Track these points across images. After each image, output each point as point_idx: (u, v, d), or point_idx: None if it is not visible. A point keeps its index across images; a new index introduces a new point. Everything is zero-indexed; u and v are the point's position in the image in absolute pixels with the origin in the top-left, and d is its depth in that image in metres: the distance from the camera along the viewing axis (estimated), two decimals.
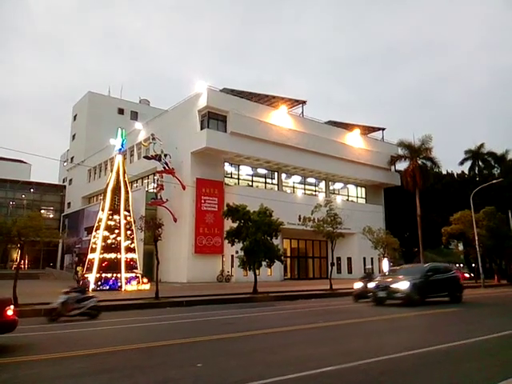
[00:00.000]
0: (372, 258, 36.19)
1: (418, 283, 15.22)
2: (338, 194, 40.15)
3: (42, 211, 52.40)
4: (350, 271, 36.92)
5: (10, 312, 7.81)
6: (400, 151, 41.18)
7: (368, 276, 18.64)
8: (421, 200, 38.30)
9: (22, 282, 15.35)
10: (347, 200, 39.59)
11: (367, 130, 42.60)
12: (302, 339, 8.82)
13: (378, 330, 10.00)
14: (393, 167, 42.14)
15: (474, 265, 36.31)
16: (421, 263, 28.14)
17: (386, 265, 31.21)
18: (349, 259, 37.26)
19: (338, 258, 36.21)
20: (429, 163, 40.14)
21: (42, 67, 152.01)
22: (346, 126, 40.37)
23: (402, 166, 41.73)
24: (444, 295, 16.25)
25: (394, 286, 15.23)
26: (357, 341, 8.34)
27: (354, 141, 39.46)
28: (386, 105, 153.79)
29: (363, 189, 41.83)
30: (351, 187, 41.24)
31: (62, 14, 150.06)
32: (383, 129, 43.61)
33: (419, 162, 39.46)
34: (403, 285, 15.09)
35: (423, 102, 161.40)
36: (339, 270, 36.59)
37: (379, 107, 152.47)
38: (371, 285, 16.69)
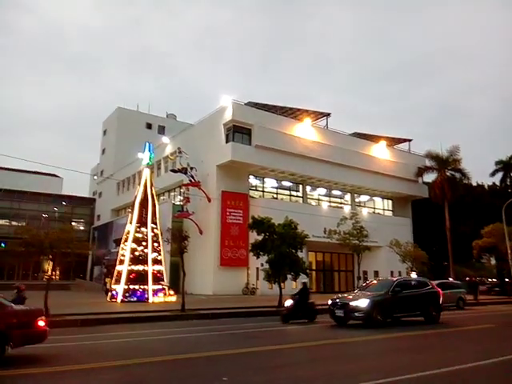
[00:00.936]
0: (400, 272, 35.44)
1: (380, 300, 13.31)
2: (364, 207, 39.68)
3: (73, 223, 53.80)
4: None
5: (41, 323, 8.04)
6: (427, 163, 40.48)
7: (302, 292, 15.44)
8: (450, 212, 37.40)
9: (54, 292, 15.79)
10: (373, 212, 39.07)
11: (393, 141, 42.12)
12: (330, 354, 8.75)
13: (297, 360, 8.15)
14: (420, 179, 41.38)
15: (507, 279, 35.03)
16: (419, 277, 26.20)
17: None
18: (376, 273, 36.56)
19: (365, 272, 35.57)
20: (458, 174, 39.28)
21: (73, 87, 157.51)
22: (372, 138, 40.05)
23: (429, 177, 41.02)
24: (416, 315, 14.32)
25: (352, 303, 13.27)
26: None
27: (380, 152, 39.05)
28: (412, 117, 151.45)
29: (390, 201, 41.20)
30: (377, 199, 40.70)
31: (92, 36, 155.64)
32: (409, 140, 43.02)
33: (448, 174, 38.66)
34: (362, 302, 13.13)
35: (450, 113, 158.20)
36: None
37: (405, 119, 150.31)
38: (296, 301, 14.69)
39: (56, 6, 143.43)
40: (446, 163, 38.58)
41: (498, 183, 45.56)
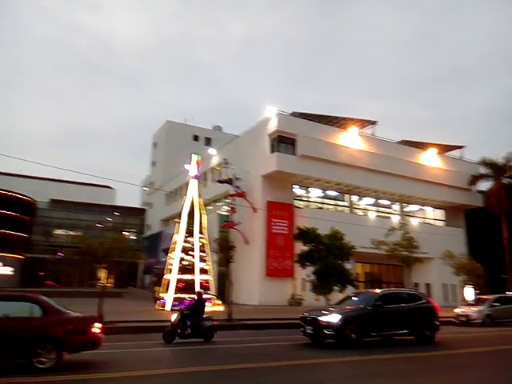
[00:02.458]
0: (454, 285, 33.91)
1: (355, 316, 11.75)
2: (414, 217, 38.34)
3: (125, 233, 56.05)
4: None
5: (95, 329, 8.36)
6: (482, 170, 38.52)
7: (196, 305, 12.97)
8: (508, 222, 35.29)
9: (107, 300, 16.45)
10: (424, 223, 37.66)
11: (444, 148, 40.52)
12: (379, 371, 8.51)
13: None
14: (474, 187, 39.42)
15: None
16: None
17: (470, 293, 29.00)
18: (427, 285, 35.13)
19: (416, 284, 34.29)
20: None
21: (125, 101, 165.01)
22: (421, 146, 38.76)
23: (484, 186, 38.98)
24: (405, 333, 12.46)
25: (321, 319, 11.56)
26: None
27: (430, 160, 37.70)
28: (463, 123, 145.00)
29: (441, 211, 39.56)
30: (428, 209, 39.22)
31: (142, 52, 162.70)
32: (462, 147, 41.23)
33: (504, 181, 36.58)
34: (333, 318, 11.43)
35: (504, 118, 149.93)
36: None
37: (456, 126, 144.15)
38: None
39: (108, 25, 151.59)
40: (502, 170, 36.51)
41: None
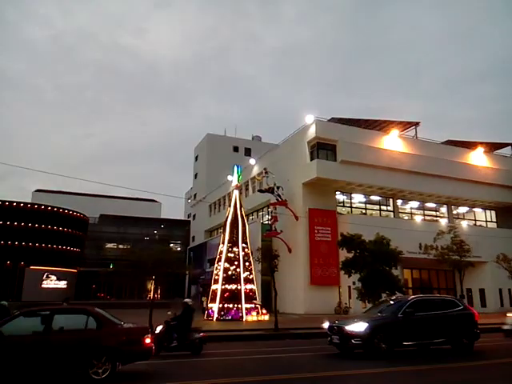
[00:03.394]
0: (510, 290, 32.18)
1: (383, 324, 11.15)
2: (464, 219, 36.82)
3: (171, 245, 57.52)
4: (483, 304, 33.07)
5: (147, 340, 8.62)
6: None
7: (183, 315, 12.23)
8: None
9: (156, 310, 16.99)
10: (474, 225, 36.06)
11: (492, 146, 38.75)
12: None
13: None
14: None
15: None
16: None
17: None
18: (481, 291, 33.49)
19: (469, 290, 32.81)
20: None
21: (169, 117, 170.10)
22: (467, 145, 37.29)
23: None
24: (441, 342, 11.66)
25: (347, 328, 11.06)
26: None
27: (478, 159, 36.14)
28: (510, 119, 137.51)
29: (493, 212, 37.73)
30: (478, 210, 37.52)
31: (182, 68, 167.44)
32: (510, 144, 39.28)
33: None
34: (359, 327, 10.92)
35: None
36: (471, 303, 33.01)
37: (503, 122, 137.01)
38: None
39: (149, 45, 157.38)
40: None
41: None
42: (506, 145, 39.43)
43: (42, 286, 46.01)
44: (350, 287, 27.08)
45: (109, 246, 60.91)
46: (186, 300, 14.07)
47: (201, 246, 47.64)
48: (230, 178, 29.27)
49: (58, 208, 49.02)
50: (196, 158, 62.32)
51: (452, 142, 37.34)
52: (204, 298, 30.27)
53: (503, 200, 36.08)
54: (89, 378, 7.80)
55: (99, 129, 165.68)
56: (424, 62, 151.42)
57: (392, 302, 12.83)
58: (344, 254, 21.41)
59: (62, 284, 47.76)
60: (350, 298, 28.64)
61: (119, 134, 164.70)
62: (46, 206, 48.00)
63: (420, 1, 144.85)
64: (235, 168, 28.05)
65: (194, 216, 59.42)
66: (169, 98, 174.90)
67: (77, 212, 51.25)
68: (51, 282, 46.90)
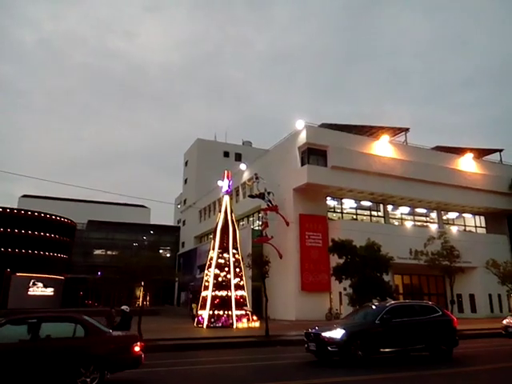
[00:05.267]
0: (499, 295, 32.34)
1: (360, 331, 10.95)
2: (453, 225, 37.04)
3: (160, 251, 56.95)
4: (473, 310, 33.21)
5: (137, 348, 8.43)
6: None
7: (121, 324, 11.85)
8: None
9: (145, 318, 16.63)
10: (464, 230, 36.29)
11: (481, 152, 39.16)
12: None
13: None
14: None
15: None
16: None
17: None
18: (471, 296, 33.63)
19: (459, 295, 32.94)
20: None
21: (157, 122, 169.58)
22: (456, 151, 37.60)
23: None
24: (419, 348, 11.51)
25: (324, 334, 10.84)
26: None
27: (467, 165, 36.45)
28: (499, 125, 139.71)
29: (482, 217, 38.04)
30: (468, 216, 37.78)
31: (173, 73, 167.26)
32: (500, 150, 39.74)
33: None
34: (336, 333, 10.71)
35: None
36: (461, 309, 33.15)
37: (491, 128, 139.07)
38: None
39: (138, 48, 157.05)
40: None
41: None
42: (495, 151, 39.88)
43: (29, 293, 45.19)
44: (340, 293, 26.96)
45: (97, 252, 60.09)
46: (123, 307, 13.74)
47: (190, 252, 47.21)
48: (220, 183, 29.03)
49: (45, 214, 48.27)
50: (186, 163, 62.00)
51: (441, 147, 37.64)
52: (194, 305, 29.90)
53: (492, 206, 36.40)
54: None
55: (88, 133, 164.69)
56: (412, 67, 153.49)
57: (371, 308, 12.67)
58: (335, 260, 21.30)
59: (49, 291, 46.95)
60: (341, 304, 28.51)
61: (109, 139, 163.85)
62: (33, 212, 47.25)
63: (409, 7, 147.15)
64: (225, 173, 27.87)
65: (184, 222, 58.99)
66: (159, 103, 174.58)
67: (64, 218, 50.53)
68: (38, 289, 46.09)
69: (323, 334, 10.84)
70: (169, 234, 62.80)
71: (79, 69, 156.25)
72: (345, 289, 22.41)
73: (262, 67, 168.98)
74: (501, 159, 39.39)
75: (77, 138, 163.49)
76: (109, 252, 56.97)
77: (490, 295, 32.69)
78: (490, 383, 9.10)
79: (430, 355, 11.74)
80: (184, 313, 38.06)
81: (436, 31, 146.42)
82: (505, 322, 20.10)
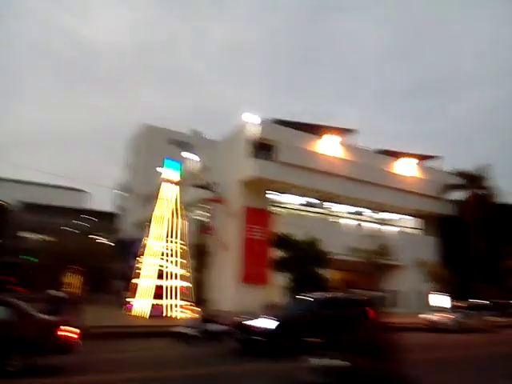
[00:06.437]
0: (425, 293, 34.38)
1: (287, 322, 11.42)
2: (389, 225, 38.86)
3: (98, 237, 54.80)
4: (404, 305, 34.90)
5: (68, 333, 8.13)
6: (457, 180, 39.47)
7: (55, 307, 11.76)
8: (480, 232, 36.17)
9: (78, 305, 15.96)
10: (399, 231, 38.20)
11: (421, 158, 41.26)
12: None
13: None
14: (448, 197, 40.29)
15: None
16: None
17: (446, 300, 29.34)
18: (400, 292, 35.41)
19: (391, 292, 34.61)
20: (489, 193, 38.12)
21: (105, 105, 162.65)
22: (398, 155, 39.40)
23: (459, 196, 39.89)
24: None
25: (252, 324, 11.41)
26: None
27: (406, 170, 38.38)
28: (441, 134, 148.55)
29: (416, 219, 40.24)
30: (403, 218, 39.82)
31: (124, 57, 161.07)
32: (438, 157, 42.16)
33: (477, 192, 37.57)
34: (264, 323, 11.28)
35: (479, 130, 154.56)
36: (393, 305, 34.78)
37: (434, 137, 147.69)
38: None
39: (93, 30, 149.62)
40: (476, 181, 37.58)
41: None
42: (433, 157, 42.10)
43: None
44: (280, 286, 27.37)
45: (30, 235, 56.69)
46: (55, 292, 13.68)
47: (128, 240, 45.75)
48: (163, 171, 28.37)
49: None
50: (131, 149, 60.07)
51: (384, 151, 39.26)
52: (128, 293, 29.08)
53: (426, 209, 38.59)
54: (5, 371, 7.40)
55: (34, 113, 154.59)
56: (364, 73, 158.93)
57: (302, 300, 13.02)
58: (277, 254, 21.62)
59: None
60: (279, 296, 28.93)
61: (55, 120, 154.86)
62: None
63: (365, 15, 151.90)
64: (170, 161, 27.27)
65: (124, 208, 57.18)
66: (110, 86, 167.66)
67: None
68: None
69: (251, 324, 11.14)
70: (107, 220, 60.49)
71: (28, 45, 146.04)
72: (285, 282, 22.87)
73: (218, 59, 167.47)
74: (438, 166, 41.68)
75: (20, 117, 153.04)
76: (43, 236, 53.90)
77: (417, 292, 34.64)
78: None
79: None
80: (117, 301, 36.90)
81: (388, 41, 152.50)
82: (423, 316, 21.47)
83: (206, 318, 12.70)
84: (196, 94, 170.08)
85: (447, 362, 11.02)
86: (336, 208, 36.54)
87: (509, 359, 12.15)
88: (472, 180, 37.69)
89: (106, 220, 60.06)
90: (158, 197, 26.52)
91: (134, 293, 23.89)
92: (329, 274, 28.96)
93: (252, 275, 29.91)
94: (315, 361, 3.89)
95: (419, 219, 40.24)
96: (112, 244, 52.60)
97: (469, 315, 22.55)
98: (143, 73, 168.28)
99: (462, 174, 38.40)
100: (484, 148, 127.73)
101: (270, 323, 11.00)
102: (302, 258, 19.56)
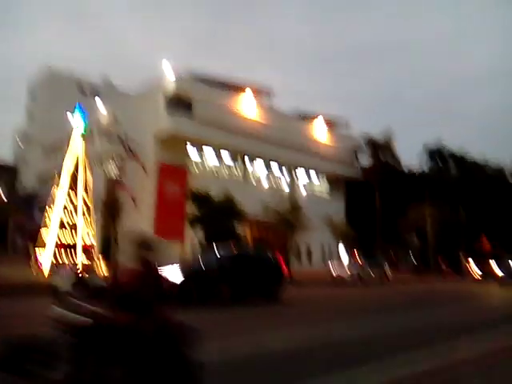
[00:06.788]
0: (333, 250, 36.95)
1: (195, 273, 11.81)
2: (301, 186, 40.51)
3: None
4: (312, 262, 37.41)
5: None
6: (363, 146, 42.05)
7: None
8: (381, 194, 39.34)
9: None
10: (310, 191, 40.03)
11: (333, 123, 43.03)
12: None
13: None
14: (356, 161, 42.92)
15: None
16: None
17: (346, 257, 31.84)
18: (311, 248, 37.66)
19: (300, 248, 36.62)
20: (391, 159, 41.29)
21: (4, 44, 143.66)
22: (313, 118, 40.65)
23: (365, 160, 42.65)
24: (252, 292, 12.81)
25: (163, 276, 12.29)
26: None
27: (319, 133, 39.93)
28: (354, 100, 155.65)
29: (325, 181, 42.40)
30: (314, 179, 41.71)
31: None
32: (348, 122, 44.25)
33: (381, 157, 40.51)
34: (173, 273, 11.40)
35: (389, 100, 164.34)
36: (301, 261, 36.97)
37: (348, 102, 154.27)
38: None
39: None
40: (380, 147, 40.43)
41: (427, 169, 48.60)
42: (343, 121, 43.75)
43: None
44: (195, 242, 27.47)
45: None
46: None
47: (32, 193, 42.50)
48: (72, 120, 26.17)
49: None
50: (32, 94, 54.40)
51: (300, 113, 40.13)
52: (33, 250, 27.17)
53: (335, 171, 40.79)
54: None
55: None
56: (286, 37, 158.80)
57: (211, 255, 13.46)
58: (192, 210, 21.49)
59: None
60: (193, 252, 29.11)
61: None
62: None
63: None
64: (79, 110, 25.18)
65: (26, 160, 52.37)
66: (6, 21, 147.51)
67: None
68: None
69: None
70: (6, 172, 55.08)
71: None
72: (199, 238, 22.95)
73: (135, 4, 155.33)
74: (348, 131, 43.76)
75: None
76: None
77: (325, 248, 37.11)
78: (300, 318, 10.35)
79: (262, 297, 12.87)
80: (20, 257, 34.44)
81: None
82: (333, 272, 23.12)
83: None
84: (109, 41, 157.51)
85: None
86: (251, 169, 37.04)
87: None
88: (376, 146, 40.47)
89: (5, 172, 54.61)
90: (65, 148, 24.49)
91: (42, 248, 22.28)
92: (242, 231, 29.76)
93: (166, 230, 29.51)
94: (58, 311, 2.98)
95: (327, 181, 42.46)
96: (13, 197, 48.28)
97: (366, 270, 24.73)
98: (47, 8, 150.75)
99: (368, 140, 40.99)
100: (389, 117, 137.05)
101: (178, 273, 11.29)
102: (217, 215, 19.70)
